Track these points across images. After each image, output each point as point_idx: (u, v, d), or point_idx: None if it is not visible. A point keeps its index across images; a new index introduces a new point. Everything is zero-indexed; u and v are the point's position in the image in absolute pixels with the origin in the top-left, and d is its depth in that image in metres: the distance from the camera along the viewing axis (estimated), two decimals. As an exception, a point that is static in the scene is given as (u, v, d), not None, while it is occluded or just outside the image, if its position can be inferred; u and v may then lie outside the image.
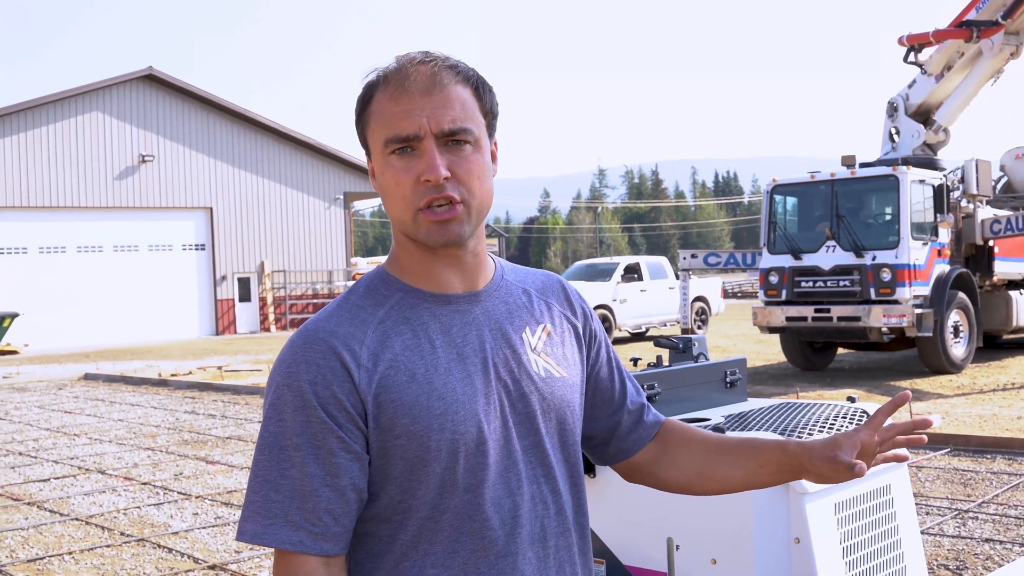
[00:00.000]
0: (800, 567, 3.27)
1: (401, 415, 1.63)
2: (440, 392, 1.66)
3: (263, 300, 39.69)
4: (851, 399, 3.90)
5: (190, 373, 21.69)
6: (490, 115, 1.76)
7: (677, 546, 3.47)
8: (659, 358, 4.32)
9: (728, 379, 4.13)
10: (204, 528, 8.13)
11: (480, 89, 1.74)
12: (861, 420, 3.73)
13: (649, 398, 3.75)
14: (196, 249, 38.31)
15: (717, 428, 3.40)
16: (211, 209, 38.35)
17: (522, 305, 1.84)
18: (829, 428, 3.59)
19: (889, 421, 1.85)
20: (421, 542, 1.66)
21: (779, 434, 3.40)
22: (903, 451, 1.86)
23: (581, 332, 1.94)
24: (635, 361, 4.26)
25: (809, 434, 3.50)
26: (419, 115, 1.65)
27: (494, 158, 1.78)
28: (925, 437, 1.78)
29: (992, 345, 19.69)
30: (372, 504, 1.67)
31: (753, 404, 4.09)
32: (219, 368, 22.51)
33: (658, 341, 4.40)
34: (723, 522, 3.34)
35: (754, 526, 3.27)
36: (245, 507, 1.64)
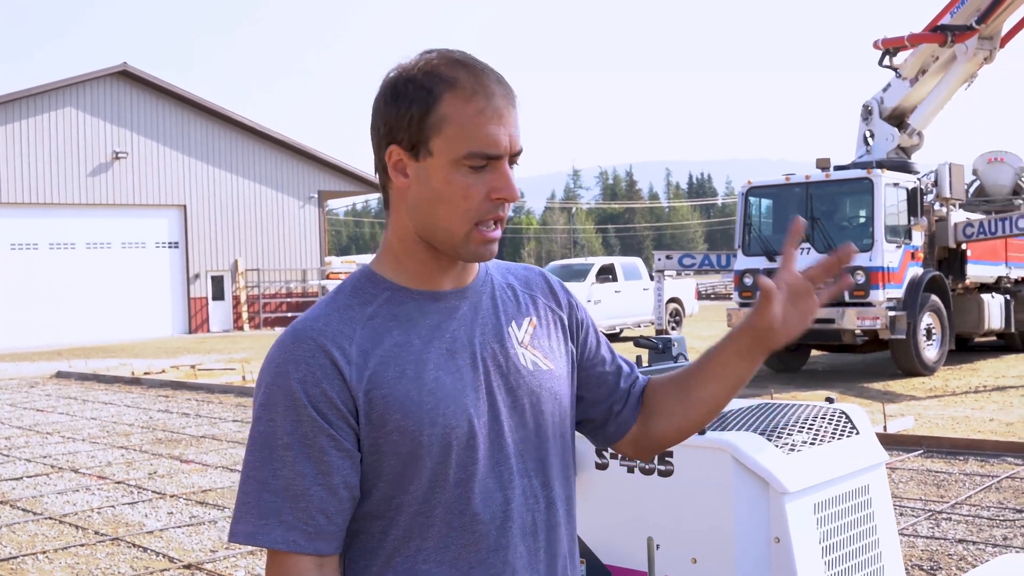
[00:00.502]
0: (780, 567, 3.29)
1: (393, 411, 1.64)
2: (430, 387, 1.67)
3: (236, 299, 39.53)
4: (829, 400, 3.93)
5: (163, 372, 21.59)
6: None
7: (657, 545, 3.48)
8: (639, 358, 4.34)
9: (708, 380, 4.14)
10: (179, 527, 8.09)
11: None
12: (841, 420, 3.76)
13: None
14: (169, 247, 38.10)
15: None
16: (185, 207, 38.14)
17: (508, 300, 1.86)
18: (809, 428, 3.62)
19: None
20: (412, 537, 1.67)
21: (760, 435, 3.43)
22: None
23: (567, 323, 1.95)
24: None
25: (789, 434, 3.52)
26: (504, 135, 1.67)
27: None
28: (850, 277, 1.82)
29: (964, 348, 19.84)
30: (364, 501, 1.68)
31: (732, 404, 4.11)
32: (192, 367, 22.41)
33: (638, 342, 4.42)
34: (703, 522, 3.36)
35: (734, 526, 3.29)
36: (237, 508, 1.64)
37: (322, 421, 1.62)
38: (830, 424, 3.71)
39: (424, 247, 1.74)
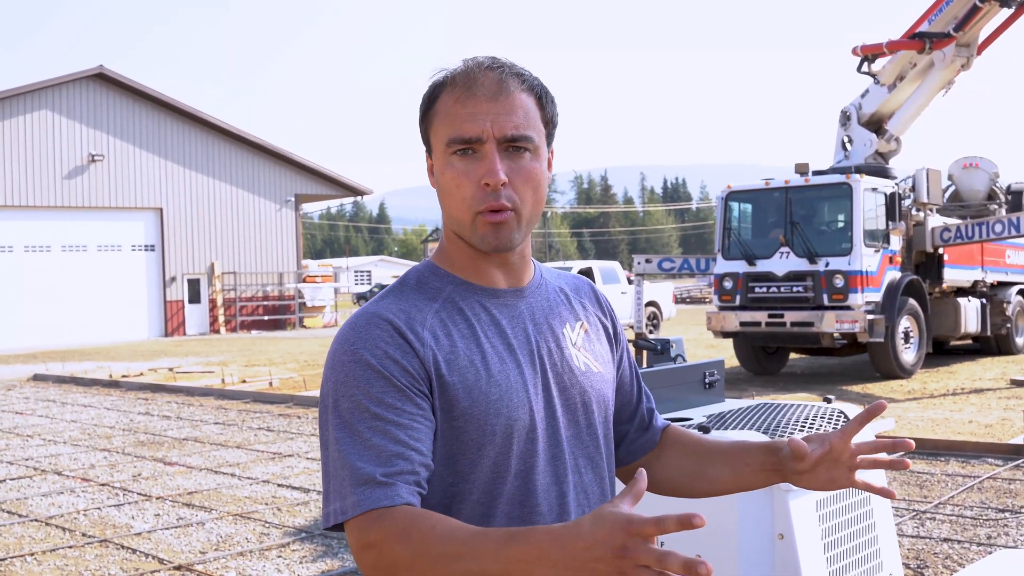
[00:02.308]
0: (783, 563, 3.35)
1: (461, 397, 1.69)
2: (496, 379, 1.73)
3: (213, 302, 39.37)
4: (827, 399, 3.99)
5: (141, 374, 21.48)
6: (550, 124, 1.82)
7: (661, 543, 3.53)
8: (638, 359, 4.39)
9: (707, 380, 4.20)
10: (167, 529, 8.08)
11: (543, 99, 1.80)
12: (839, 420, 3.82)
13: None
14: (146, 250, 37.93)
15: (701, 427, 3.47)
16: (161, 210, 37.99)
17: (561, 303, 1.93)
18: (809, 428, 3.68)
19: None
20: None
21: (763, 434, 3.48)
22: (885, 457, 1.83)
23: (611, 333, 2.03)
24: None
25: (791, 432, 3.58)
26: (483, 119, 1.72)
27: (549, 166, 1.85)
28: (908, 463, 1.76)
29: (940, 351, 20.02)
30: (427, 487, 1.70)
31: (731, 404, 4.17)
32: (171, 369, 22.32)
33: (637, 343, 4.47)
34: (708, 518, 3.40)
35: (739, 522, 3.34)
36: (334, 487, 1.65)
37: (408, 390, 1.67)
38: (829, 423, 3.78)
39: (461, 238, 1.81)
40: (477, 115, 1.72)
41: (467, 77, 1.74)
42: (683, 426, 3.62)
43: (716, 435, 3.46)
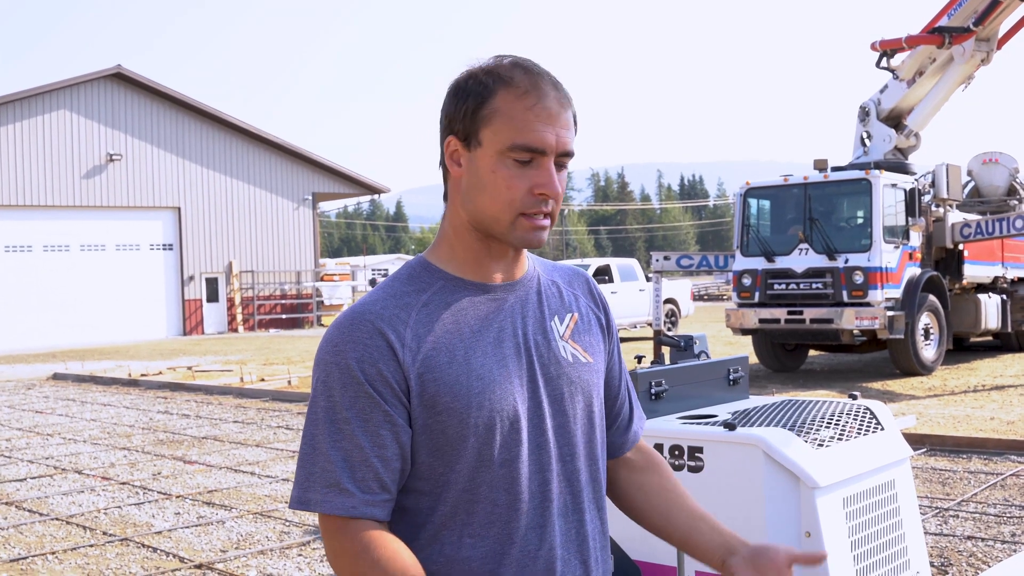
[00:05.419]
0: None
1: (443, 393, 1.76)
2: (478, 372, 1.78)
3: (231, 300, 39.46)
4: (853, 396, 3.95)
5: (160, 373, 21.53)
6: None
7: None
8: (661, 356, 4.36)
9: (731, 376, 4.17)
10: (187, 528, 8.09)
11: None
12: (865, 416, 3.79)
13: (656, 395, 3.80)
14: (164, 249, 38.02)
15: (727, 424, 3.45)
16: (179, 209, 38.08)
17: (552, 295, 1.98)
18: (836, 424, 3.65)
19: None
20: (459, 513, 1.79)
21: (789, 431, 3.45)
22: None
23: (603, 324, 2.07)
24: (639, 358, 4.31)
25: (817, 429, 3.55)
26: (551, 133, 1.79)
27: None
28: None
29: (960, 347, 19.91)
30: (412, 477, 1.80)
31: (756, 401, 4.13)
32: (189, 368, 22.37)
33: (660, 339, 4.44)
34: (734, 516, 3.38)
35: (766, 520, 3.31)
36: (302, 479, 1.77)
37: (378, 398, 1.74)
38: (855, 420, 3.75)
39: (476, 236, 1.85)
40: (548, 128, 1.78)
41: (535, 86, 1.79)
42: (708, 423, 3.60)
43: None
